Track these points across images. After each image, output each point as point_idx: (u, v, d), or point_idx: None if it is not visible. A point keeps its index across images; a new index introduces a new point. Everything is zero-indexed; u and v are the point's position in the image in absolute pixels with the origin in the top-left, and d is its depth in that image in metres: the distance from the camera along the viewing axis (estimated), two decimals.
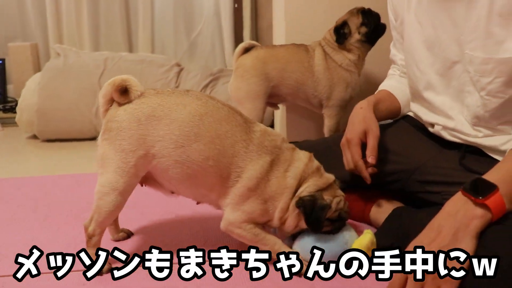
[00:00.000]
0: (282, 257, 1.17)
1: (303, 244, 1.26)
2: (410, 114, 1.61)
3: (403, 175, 1.44)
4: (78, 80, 2.92)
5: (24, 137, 3.04)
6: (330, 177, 1.29)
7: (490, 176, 1.00)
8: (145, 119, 1.19)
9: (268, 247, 1.24)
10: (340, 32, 2.11)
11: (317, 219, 1.21)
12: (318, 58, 2.15)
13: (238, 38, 3.79)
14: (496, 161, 1.17)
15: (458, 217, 0.95)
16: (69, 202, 1.82)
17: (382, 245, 1.34)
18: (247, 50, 2.19)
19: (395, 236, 1.28)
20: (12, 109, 3.46)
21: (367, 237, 1.23)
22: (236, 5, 3.81)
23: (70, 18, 3.68)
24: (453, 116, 1.34)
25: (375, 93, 1.66)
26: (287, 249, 1.25)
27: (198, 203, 1.35)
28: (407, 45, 1.48)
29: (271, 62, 2.14)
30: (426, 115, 1.46)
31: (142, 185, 1.34)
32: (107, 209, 1.23)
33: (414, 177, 1.41)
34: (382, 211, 1.49)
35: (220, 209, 1.29)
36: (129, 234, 1.51)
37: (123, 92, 1.22)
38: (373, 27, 2.09)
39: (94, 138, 2.92)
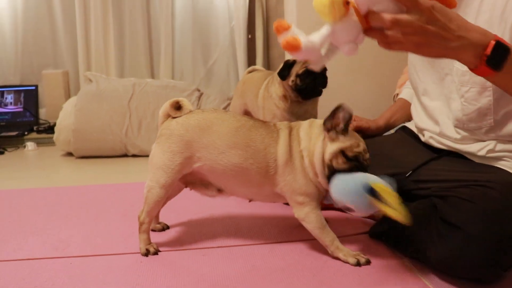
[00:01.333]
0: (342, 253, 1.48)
1: (335, 186, 1.40)
2: (407, 125, 1.88)
3: (401, 177, 1.63)
4: (110, 103, 3.23)
5: (59, 155, 3.34)
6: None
7: None
8: (192, 128, 1.51)
9: (327, 242, 1.51)
10: (285, 68, 2.08)
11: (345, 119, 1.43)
12: (263, 86, 2.26)
13: (251, 65, 3.98)
14: (472, 162, 1.48)
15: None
16: (112, 206, 2.11)
17: (379, 231, 1.65)
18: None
19: (391, 223, 1.56)
20: (45, 131, 3.80)
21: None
22: (249, 36, 4.09)
23: (99, 48, 4.02)
24: (440, 121, 1.57)
25: (396, 100, 1.99)
26: (344, 249, 1.50)
27: (250, 200, 1.65)
28: (410, 58, 1.73)
29: (246, 84, 2.47)
30: (420, 120, 1.70)
31: (190, 189, 1.65)
32: (154, 200, 1.53)
33: (409, 178, 1.63)
34: None
35: (276, 201, 1.60)
36: (164, 227, 1.80)
37: (177, 109, 1.55)
38: (305, 87, 2.03)
39: (124, 155, 3.27)
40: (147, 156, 3.09)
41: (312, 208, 1.50)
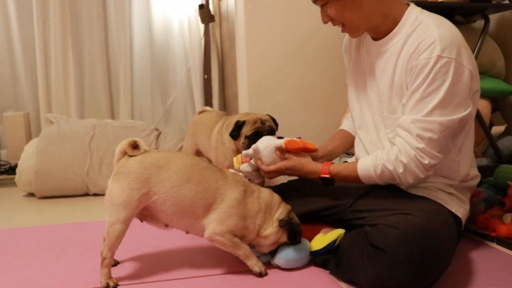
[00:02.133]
0: (251, 262, 1.70)
1: (285, 255, 1.75)
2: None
3: (342, 207, 1.83)
4: (71, 144, 3.32)
5: (20, 195, 3.39)
6: (288, 205, 1.80)
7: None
8: (150, 166, 1.65)
9: (241, 252, 1.70)
10: (236, 129, 2.22)
11: (296, 232, 1.73)
12: (216, 129, 2.42)
13: (208, 105, 4.18)
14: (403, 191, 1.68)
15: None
16: (74, 244, 2.18)
17: (321, 259, 1.82)
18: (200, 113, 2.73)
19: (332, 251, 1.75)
20: (6, 172, 3.87)
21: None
22: (205, 76, 4.25)
23: (59, 89, 4.12)
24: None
25: (336, 132, 2.18)
26: (255, 257, 1.73)
27: (187, 232, 1.80)
28: (349, 96, 1.92)
29: (195, 125, 2.63)
30: (359, 152, 1.89)
31: (141, 221, 1.78)
32: (115, 235, 1.63)
33: (349, 209, 1.80)
34: None
35: (203, 236, 1.74)
36: (116, 263, 1.88)
37: (134, 148, 1.69)
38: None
39: (85, 194, 3.35)
40: None
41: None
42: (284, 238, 1.74)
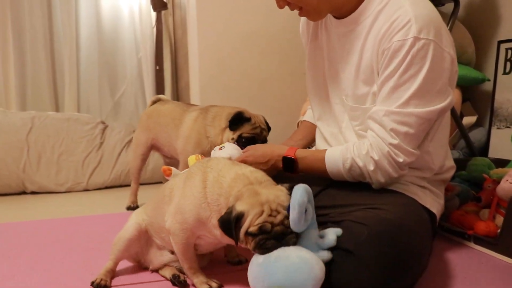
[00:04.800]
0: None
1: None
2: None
3: None
4: (6, 137, 3.07)
5: None
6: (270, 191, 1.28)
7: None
8: None
9: (186, 267, 1.44)
10: (238, 121, 2.05)
11: (229, 230, 1.23)
12: (191, 118, 2.21)
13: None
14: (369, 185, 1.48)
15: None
16: (4, 246, 1.96)
17: None
18: (154, 103, 2.52)
19: None
20: None
21: None
22: (157, 67, 4.07)
23: None
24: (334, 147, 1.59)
25: (299, 124, 2.01)
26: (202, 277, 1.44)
27: None
28: (307, 82, 1.75)
29: (154, 117, 2.43)
30: (319, 145, 1.72)
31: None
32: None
33: None
34: None
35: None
36: None
37: None
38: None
39: (22, 192, 3.10)
40: (47, 192, 3.12)
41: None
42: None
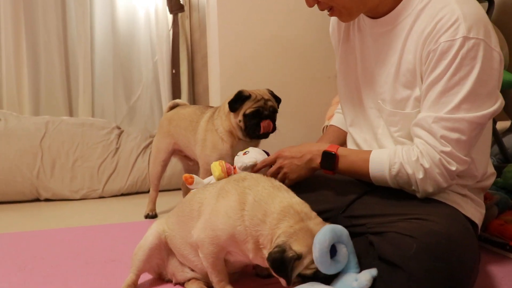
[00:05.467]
0: None
1: None
2: None
3: (334, 213, 1.53)
4: (19, 143, 2.97)
5: None
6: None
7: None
8: None
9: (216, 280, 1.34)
10: (238, 99, 1.97)
11: (284, 270, 1.14)
12: (205, 119, 2.16)
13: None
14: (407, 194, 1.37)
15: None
16: (19, 256, 1.86)
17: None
18: (172, 108, 2.44)
19: None
20: None
21: None
22: (174, 71, 3.98)
23: (10, 84, 3.75)
24: None
25: (325, 129, 1.92)
26: None
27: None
28: (338, 84, 1.65)
29: (174, 121, 2.34)
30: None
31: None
32: None
33: (343, 215, 1.51)
34: None
35: None
36: None
37: None
38: (249, 127, 1.96)
39: (36, 200, 3.00)
40: (61, 200, 3.01)
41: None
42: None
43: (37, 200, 3.02)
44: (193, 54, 4.02)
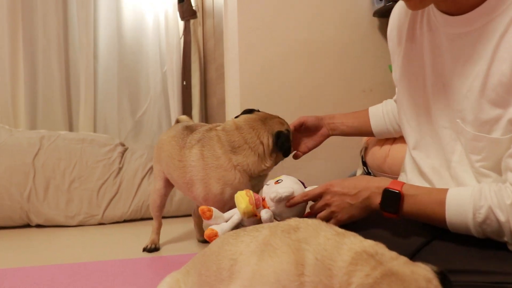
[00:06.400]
0: None
1: None
2: None
3: None
4: (9, 160, 2.63)
5: None
6: None
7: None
8: None
9: None
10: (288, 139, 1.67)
11: None
12: (192, 142, 1.83)
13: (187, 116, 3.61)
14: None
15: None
16: None
17: None
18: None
19: None
20: None
21: None
22: (184, 83, 3.69)
23: (5, 93, 3.40)
24: (437, 185, 1.19)
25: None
26: None
27: None
28: (399, 97, 1.35)
29: (161, 143, 2.01)
30: (411, 178, 1.31)
31: None
32: None
33: None
34: None
35: None
36: None
37: None
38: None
39: (26, 225, 2.66)
40: (55, 226, 2.65)
41: None
42: None
43: (28, 226, 2.67)
44: (206, 64, 3.72)
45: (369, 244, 0.85)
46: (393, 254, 0.83)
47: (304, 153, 1.71)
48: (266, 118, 1.71)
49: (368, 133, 1.68)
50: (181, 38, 3.73)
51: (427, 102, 1.22)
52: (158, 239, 2.18)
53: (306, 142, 1.72)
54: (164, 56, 3.78)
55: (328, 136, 1.70)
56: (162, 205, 2.12)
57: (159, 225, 2.19)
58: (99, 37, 3.70)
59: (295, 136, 1.69)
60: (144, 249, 2.12)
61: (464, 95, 1.08)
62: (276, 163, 1.70)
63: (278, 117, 1.73)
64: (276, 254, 0.87)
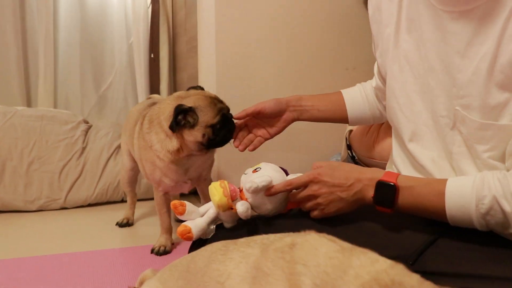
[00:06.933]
0: None
1: None
2: None
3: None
4: None
5: None
6: None
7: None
8: None
9: None
10: (178, 117, 1.57)
11: None
12: (136, 130, 1.84)
13: (154, 91, 3.51)
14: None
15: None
16: None
17: None
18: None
19: None
20: None
21: None
22: (152, 55, 3.56)
23: None
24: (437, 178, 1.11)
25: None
26: None
27: None
28: (390, 84, 1.25)
29: (126, 120, 2.07)
30: (406, 173, 1.22)
31: None
32: None
33: (413, 268, 1.08)
34: None
35: None
36: None
37: None
38: (219, 139, 1.62)
39: None
40: (11, 211, 2.49)
41: None
42: None
43: None
44: (175, 36, 3.58)
45: (383, 268, 0.69)
46: (415, 280, 0.69)
47: (266, 139, 1.56)
48: (192, 95, 1.64)
49: (342, 119, 1.54)
50: (148, 7, 3.59)
51: (423, 88, 1.14)
52: (132, 214, 2.24)
53: (267, 128, 1.57)
54: (130, 26, 3.63)
55: (292, 120, 1.54)
56: (131, 181, 2.19)
57: (132, 201, 2.24)
58: (59, 4, 3.50)
59: (253, 123, 1.54)
60: (117, 224, 2.20)
61: (469, 79, 1.01)
62: (193, 144, 1.62)
63: (211, 97, 1.63)
64: (268, 282, 0.72)
